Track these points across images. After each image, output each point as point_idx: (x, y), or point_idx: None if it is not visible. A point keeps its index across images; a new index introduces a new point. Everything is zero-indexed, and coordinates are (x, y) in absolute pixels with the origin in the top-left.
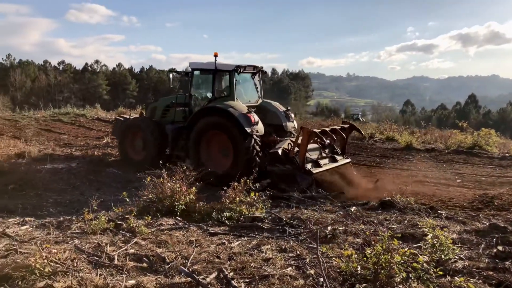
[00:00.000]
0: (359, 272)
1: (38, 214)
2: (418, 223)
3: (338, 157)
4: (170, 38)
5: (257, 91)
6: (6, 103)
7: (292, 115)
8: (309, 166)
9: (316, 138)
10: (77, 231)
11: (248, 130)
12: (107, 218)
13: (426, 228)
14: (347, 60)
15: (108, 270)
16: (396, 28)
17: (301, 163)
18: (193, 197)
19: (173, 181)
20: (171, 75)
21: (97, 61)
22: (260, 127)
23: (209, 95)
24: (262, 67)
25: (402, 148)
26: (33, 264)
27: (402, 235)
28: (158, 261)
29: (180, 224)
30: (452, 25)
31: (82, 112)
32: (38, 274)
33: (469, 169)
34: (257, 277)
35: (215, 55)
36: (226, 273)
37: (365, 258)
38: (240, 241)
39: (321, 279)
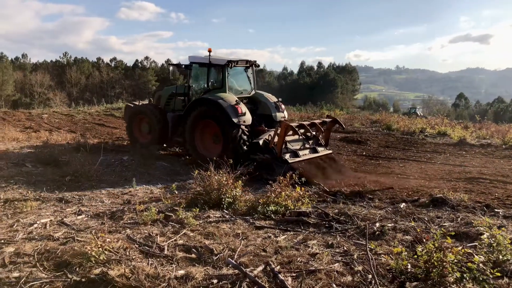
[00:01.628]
0: (409, 270)
1: (92, 204)
2: (472, 221)
3: (320, 149)
4: (217, 34)
5: (250, 83)
6: (63, 99)
7: (283, 106)
8: (287, 156)
9: (292, 131)
10: (129, 221)
11: (235, 120)
12: (157, 209)
13: (481, 227)
14: (396, 53)
15: (158, 259)
16: (448, 19)
17: (278, 153)
18: (239, 191)
19: (220, 175)
20: (171, 68)
21: (146, 58)
22: (247, 118)
23: (204, 86)
24: (255, 61)
25: (455, 143)
26: (89, 252)
27: (456, 233)
28: (206, 252)
29: (227, 216)
30: (510, 13)
31: None
32: (93, 262)
33: None
34: (304, 272)
35: (209, 51)
36: (273, 266)
37: (415, 256)
38: (286, 235)
39: (370, 276)
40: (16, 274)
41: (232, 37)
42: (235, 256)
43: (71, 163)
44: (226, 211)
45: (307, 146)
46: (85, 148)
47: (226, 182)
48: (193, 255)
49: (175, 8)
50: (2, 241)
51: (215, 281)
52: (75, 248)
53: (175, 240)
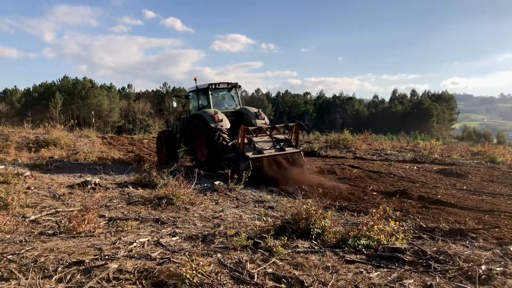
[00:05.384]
0: None
1: (186, 227)
2: None
3: (288, 149)
4: (305, 63)
5: (234, 100)
6: (161, 126)
7: (263, 115)
8: (250, 152)
9: (249, 133)
10: (219, 245)
11: (213, 125)
12: (246, 235)
13: None
14: (500, 80)
15: (248, 287)
16: None
17: (241, 150)
18: (329, 222)
19: (308, 204)
20: (174, 99)
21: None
22: (224, 123)
23: (197, 107)
24: (236, 83)
25: None
26: (184, 273)
27: None
28: (296, 283)
29: (316, 248)
30: None
31: None
32: (187, 284)
33: None
34: None
35: (195, 79)
36: None
37: None
38: (379, 272)
39: None
40: None
41: (321, 65)
42: None
43: (168, 186)
44: (314, 242)
45: (277, 146)
46: (180, 173)
47: (315, 212)
48: (283, 286)
49: (265, 39)
50: (107, 257)
51: None
52: (171, 269)
53: (265, 268)
